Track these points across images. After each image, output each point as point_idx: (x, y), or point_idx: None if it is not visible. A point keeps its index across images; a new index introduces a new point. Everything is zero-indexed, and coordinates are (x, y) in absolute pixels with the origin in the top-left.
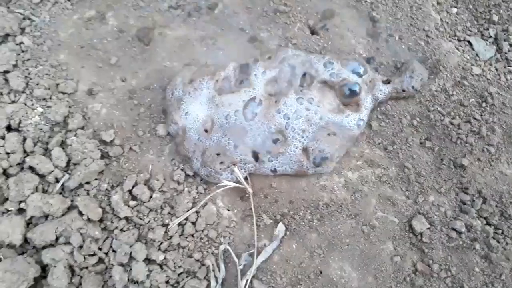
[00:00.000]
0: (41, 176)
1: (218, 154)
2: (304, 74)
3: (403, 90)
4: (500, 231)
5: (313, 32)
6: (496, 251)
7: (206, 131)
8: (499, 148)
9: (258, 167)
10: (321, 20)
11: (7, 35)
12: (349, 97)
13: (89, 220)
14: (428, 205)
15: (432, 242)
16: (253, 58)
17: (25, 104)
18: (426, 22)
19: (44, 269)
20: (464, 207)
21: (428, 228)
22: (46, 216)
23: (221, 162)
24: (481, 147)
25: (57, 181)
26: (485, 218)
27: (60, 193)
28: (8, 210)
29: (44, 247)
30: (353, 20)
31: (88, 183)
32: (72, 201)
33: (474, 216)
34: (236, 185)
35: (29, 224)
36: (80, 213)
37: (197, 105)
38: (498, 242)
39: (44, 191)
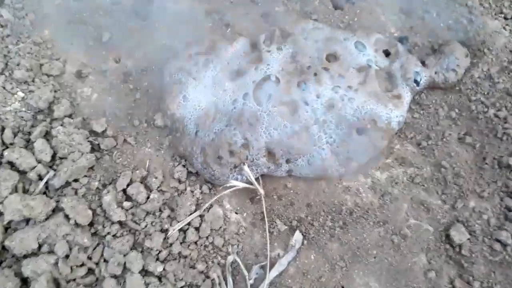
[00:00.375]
0: (22, 173)
1: (220, 154)
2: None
3: (443, 82)
4: None
5: (336, 7)
6: None
7: (208, 122)
8: None
9: (273, 169)
10: None
11: None
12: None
13: (77, 224)
14: (468, 211)
15: (473, 255)
16: (266, 32)
17: (4, 88)
18: None
19: (26, 282)
20: (510, 215)
21: (468, 239)
22: (27, 220)
23: (226, 162)
24: None
25: (40, 178)
26: None
27: (44, 193)
28: None
29: (24, 257)
30: None
31: (76, 180)
32: (57, 202)
33: None
34: (246, 185)
35: (7, 229)
36: (67, 217)
37: (200, 89)
38: None
39: (25, 191)
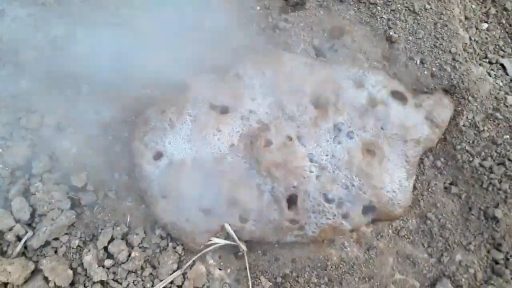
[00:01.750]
0: None
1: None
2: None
3: None
4: None
5: (319, 54)
6: None
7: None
8: None
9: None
10: (329, 40)
11: None
12: None
13: (56, 287)
14: (454, 265)
15: None
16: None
17: None
18: (453, 43)
19: None
20: (497, 268)
21: None
22: (5, 285)
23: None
24: None
25: (19, 239)
26: None
27: (23, 253)
28: None
29: None
30: (366, 40)
31: (56, 239)
32: (36, 263)
33: (509, 278)
34: (228, 242)
35: None
36: (46, 279)
37: (176, 144)
38: None
39: (3, 253)
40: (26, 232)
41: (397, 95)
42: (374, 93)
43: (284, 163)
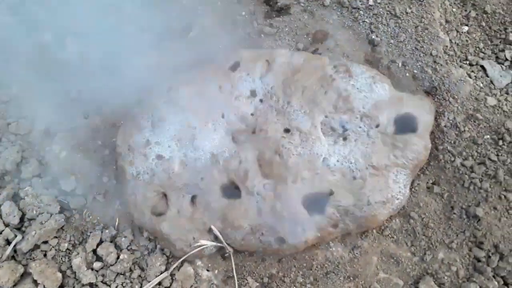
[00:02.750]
0: None
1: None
2: None
3: None
4: None
5: None
6: None
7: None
8: None
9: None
10: (312, 44)
11: None
12: None
13: None
14: (437, 263)
15: None
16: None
17: None
18: (434, 45)
19: None
20: (479, 265)
21: None
22: None
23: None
24: (498, 193)
25: (8, 243)
26: (502, 277)
27: (12, 257)
28: None
29: None
30: (349, 44)
31: (45, 242)
32: (25, 266)
33: (490, 276)
34: (215, 244)
35: None
36: (35, 282)
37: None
38: None
39: None
40: (15, 236)
41: None
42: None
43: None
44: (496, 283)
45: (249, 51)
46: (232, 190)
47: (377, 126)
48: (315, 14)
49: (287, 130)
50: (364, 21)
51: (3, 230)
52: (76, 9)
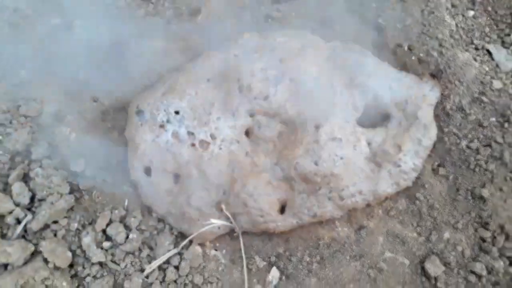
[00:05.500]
0: (0, 217)
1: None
2: None
3: None
4: None
5: None
6: None
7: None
8: None
9: None
10: (320, 28)
11: None
12: None
13: (56, 268)
14: (442, 243)
15: (449, 287)
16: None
17: None
18: (440, 29)
19: None
20: (484, 246)
21: (444, 271)
22: (5, 266)
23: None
24: (503, 175)
25: (19, 222)
26: (508, 257)
27: (23, 236)
28: None
29: None
30: (355, 27)
31: (55, 222)
32: (36, 245)
33: (496, 256)
34: (224, 223)
35: None
36: (45, 260)
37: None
38: None
39: (3, 235)
40: (26, 215)
41: None
42: None
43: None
44: (502, 263)
45: None
46: None
47: None
48: None
49: None
50: (371, 6)
51: (13, 210)
52: None
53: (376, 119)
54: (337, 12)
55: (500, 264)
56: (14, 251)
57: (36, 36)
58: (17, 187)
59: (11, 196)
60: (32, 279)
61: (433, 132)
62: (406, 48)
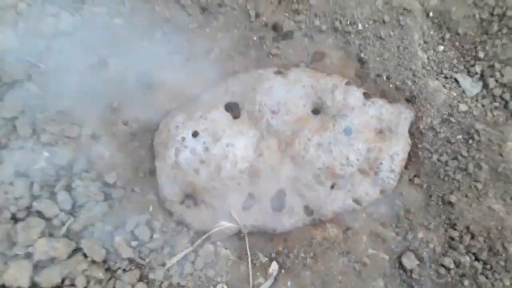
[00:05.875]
0: (47, 220)
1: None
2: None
3: None
4: (488, 266)
5: None
6: (484, 286)
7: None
8: (486, 184)
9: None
10: (312, 62)
11: (14, 82)
12: None
13: (93, 261)
14: (417, 241)
15: (422, 278)
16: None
17: (32, 150)
18: (413, 62)
19: None
20: (453, 243)
21: (418, 264)
22: (52, 260)
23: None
24: (468, 183)
25: (63, 224)
26: (473, 253)
27: (66, 236)
28: (16, 255)
29: None
30: (342, 61)
31: (92, 225)
32: (77, 243)
33: (462, 252)
34: (232, 225)
35: (36, 267)
36: (85, 255)
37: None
38: (487, 278)
39: (50, 235)
40: (69, 218)
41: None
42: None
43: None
44: (468, 258)
45: None
46: None
47: None
48: (314, 38)
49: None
50: (355, 43)
51: (58, 214)
52: (118, 35)
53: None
54: (326, 48)
55: (466, 259)
56: (61, 246)
57: (77, 71)
58: (62, 196)
59: (57, 203)
60: (74, 270)
61: (407, 147)
62: (384, 77)
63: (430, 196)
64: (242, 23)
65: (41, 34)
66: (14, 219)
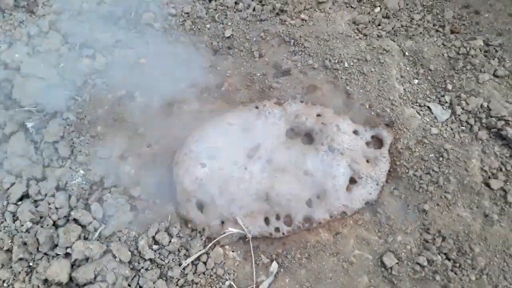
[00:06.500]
0: (83, 226)
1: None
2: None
3: None
4: (457, 264)
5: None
6: (453, 281)
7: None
8: (455, 194)
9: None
10: (306, 94)
11: (56, 112)
12: None
13: (120, 261)
14: (396, 243)
15: (400, 274)
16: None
17: (70, 168)
18: (391, 93)
19: None
20: (427, 245)
21: (397, 263)
22: (87, 259)
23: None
24: (439, 194)
25: (95, 230)
26: (444, 253)
27: (98, 240)
28: (57, 254)
29: (85, 284)
30: (331, 93)
31: (120, 231)
32: (107, 246)
33: (435, 252)
34: (238, 231)
35: (73, 265)
36: (114, 256)
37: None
38: (456, 274)
39: (85, 238)
40: (100, 225)
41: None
42: None
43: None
44: (439, 257)
45: None
46: None
47: None
48: (308, 74)
49: None
50: (342, 78)
51: (92, 222)
52: (143, 73)
53: None
54: (318, 83)
55: (438, 258)
56: (94, 247)
57: (108, 103)
58: (94, 206)
59: (90, 212)
60: (105, 268)
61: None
62: (367, 106)
63: (408, 205)
64: (248, 62)
65: (79, 72)
66: (55, 225)
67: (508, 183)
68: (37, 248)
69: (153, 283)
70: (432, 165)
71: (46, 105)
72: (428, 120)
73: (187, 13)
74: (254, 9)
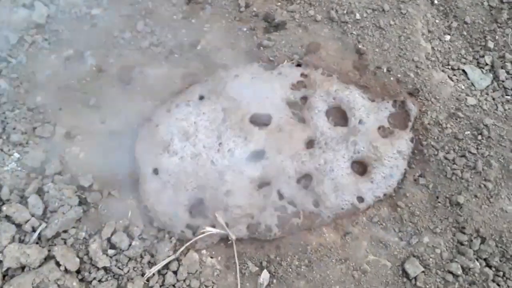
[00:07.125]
0: (18, 225)
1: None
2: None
3: None
4: (501, 273)
5: (299, 65)
6: None
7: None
8: (498, 183)
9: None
10: (306, 54)
11: None
12: None
13: (66, 270)
14: (422, 246)
15: (427, 286)
16: None
17: (2, 150)
18: (416, 52)
19: None
20: (461, 248)
21: (423, 271)
22: (22, 267)
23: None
24: (478, 183)
25: (34, 230)
26: (484, 259)
27: (37, 243)
28: None
29: None
30: (338, 53)
31: (65, 231)
32: (49, 250)
33: (472, 257)
34: (218, 231)
35: (5, 276)
36: (58, 264)
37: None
38: (499, 285)
39: (21, 241)
40: (40, 224)
41: None
42: None
43: None
44: (478, 264)
45: None
46: None
47: None
48: (308, 29)
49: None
50: (352, 33)
51: (29, 219)
52: (96, 27)
53: None
54: (322, 39)
55: (476, 265)
56: (32, 253)
57: (50, 66)
58: (33, 200)
59: (27, 207)
60: (46, 278)
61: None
62: (385, 70)
63: (437, 197)
64: (230, 13)
65: (13, 27)
66: None
67: None
68: None
69: None
70: (469, 146)
71: None
72: (463, 87)
73: None
74: None
